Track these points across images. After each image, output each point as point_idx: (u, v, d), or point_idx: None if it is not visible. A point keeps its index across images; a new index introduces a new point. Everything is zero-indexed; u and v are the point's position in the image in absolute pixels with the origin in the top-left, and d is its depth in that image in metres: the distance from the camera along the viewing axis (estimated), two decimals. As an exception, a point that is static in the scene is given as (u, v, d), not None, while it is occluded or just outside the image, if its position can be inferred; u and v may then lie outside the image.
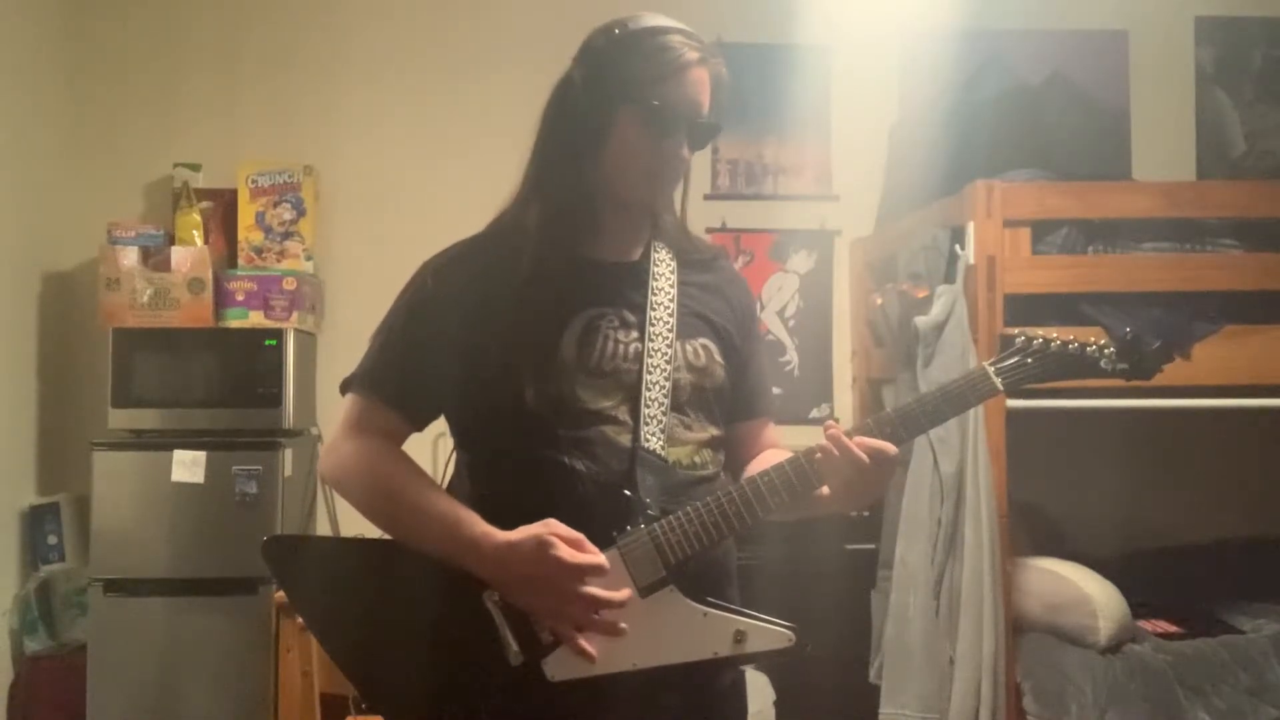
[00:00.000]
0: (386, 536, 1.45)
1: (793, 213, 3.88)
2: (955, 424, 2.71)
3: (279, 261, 3.52)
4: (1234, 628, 2.96)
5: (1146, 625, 2.94)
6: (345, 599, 1.44)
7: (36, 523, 3.43)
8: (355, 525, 3.49)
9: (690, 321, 1.50)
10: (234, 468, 3.18)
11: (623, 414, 1.41)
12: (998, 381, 1.41)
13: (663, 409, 1.42)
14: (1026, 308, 2.75)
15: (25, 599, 3.32)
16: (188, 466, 3.17)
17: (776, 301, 3.88)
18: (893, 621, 2.79)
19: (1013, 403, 2.75)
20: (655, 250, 1.54)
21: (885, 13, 3.82)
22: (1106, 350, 1.43)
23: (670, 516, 1.37)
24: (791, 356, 3.88)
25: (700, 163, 3.86)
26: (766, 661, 1.43)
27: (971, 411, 2.69)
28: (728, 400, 1.53)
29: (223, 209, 3.58)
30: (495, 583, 1.35)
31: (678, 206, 1.58)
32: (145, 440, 3.26)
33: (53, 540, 3.43)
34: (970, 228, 2.79)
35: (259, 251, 3.53)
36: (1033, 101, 3.51)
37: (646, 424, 1.41)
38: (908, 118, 3.82)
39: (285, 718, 3.08)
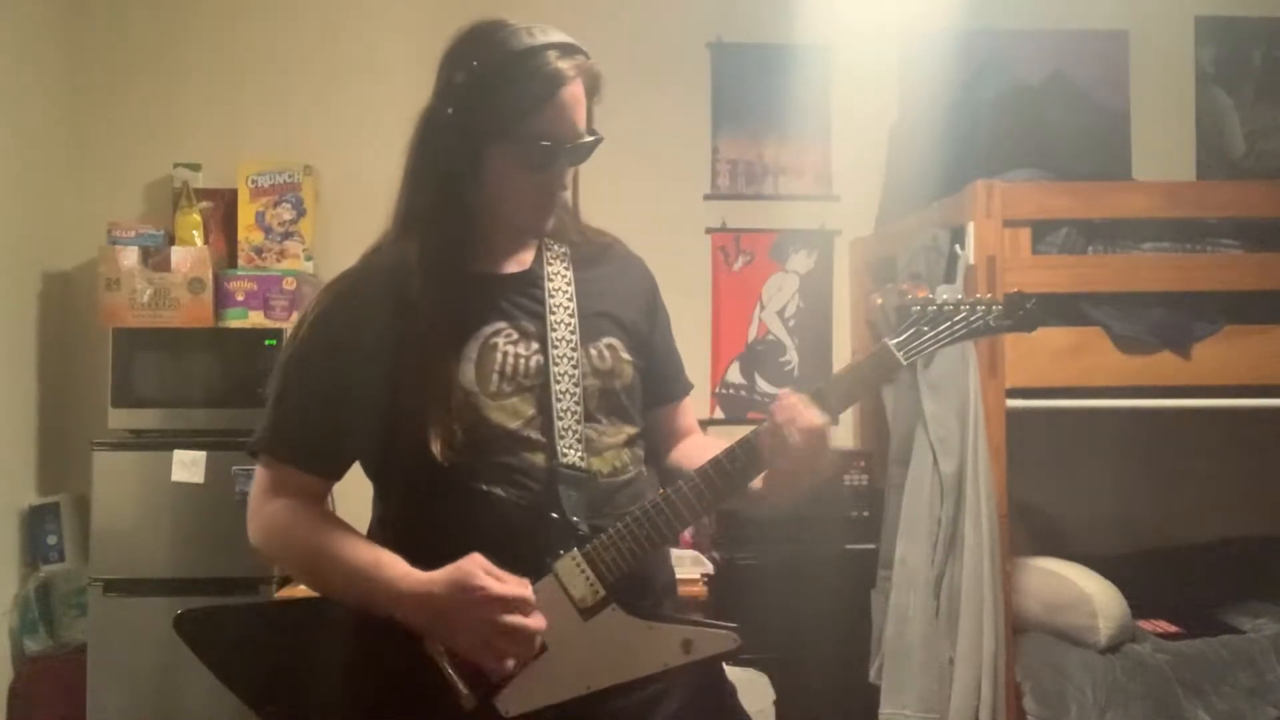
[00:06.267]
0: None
1: (793, 213, 3.87)
2: (955, 424, 2.72)
3: (279, 261, 3.52)
4: (1234, 628, 2.96)
5: (1146, 625, 2.94)
6: (279, 666, 1.38)
7: (36, 523, 3.43)
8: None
9: (593, 322, 1.46)
10: (234, 468, 3.17)
11: (535, 433, 1.38)
12: (899, 356, 1.43)
13: (576, 418, 1.39)
14: (1026, 308, 2.74)
15: (25, 599, 3.32)
16: (188, 466, 3.17)
17: (776, 301, 3.88)
18: (893, 621, 2.79)
19: (1013, 403, 2.75)
20: (548, 250, 1.49)
21: (885, 13, 3.81)
22: (995, 308, 1.47)
23: (602, 534, 1.35)
24: (791, 356, 3.88)
25: (700, 163, 3.87)
26: (715, 664, 1.42)
27: (971, 411, 2.69)
28: (640, 393, 1.50)
29: (223, 209, 3.58)
30: (419, 625, 1.30)
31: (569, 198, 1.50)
32: (145, 440, 3.26)
33: (53, 540, 3.43)
34: (970, 228, 2.79)
35: (259, 251, 3.53)
36: (1033, 101, 3.51)
37: (562, 437, 1.37)
38: (908, 118, 3.82)
39: (285, 718, 3.09)
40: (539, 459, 1.37)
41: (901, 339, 1.44)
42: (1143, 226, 2.88)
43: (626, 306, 1.52)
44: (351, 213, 3.74)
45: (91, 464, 3.20)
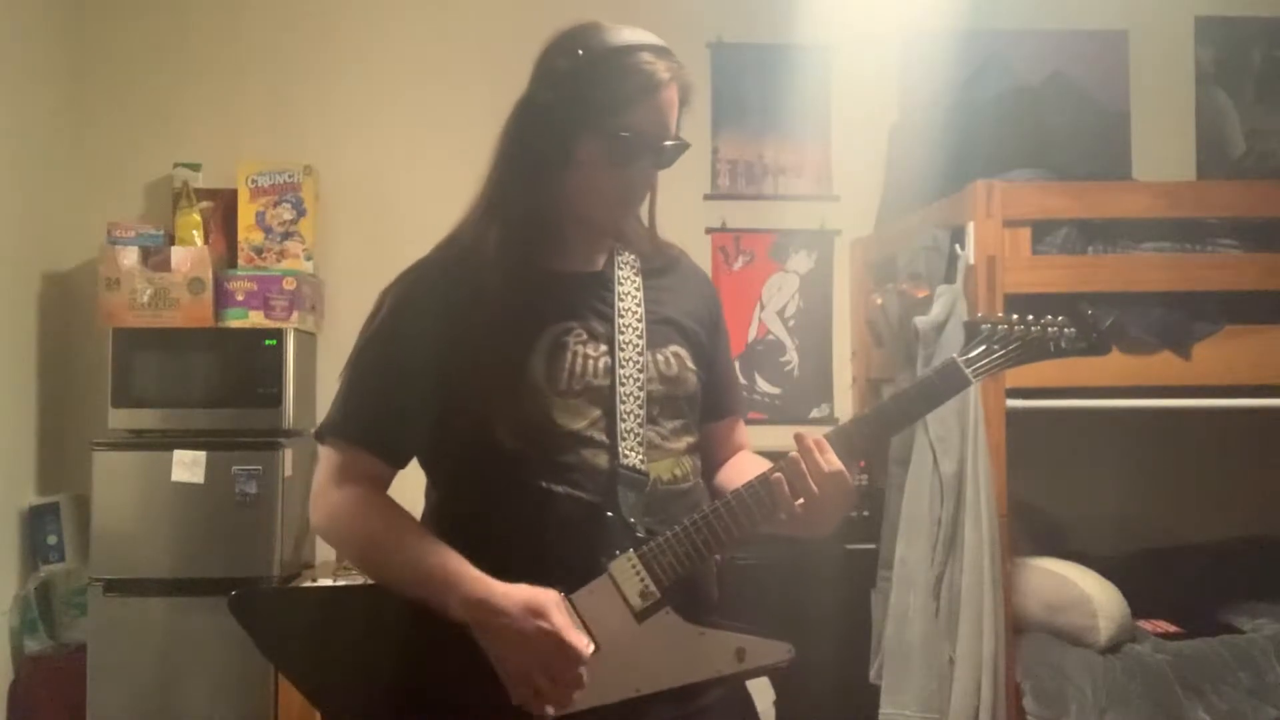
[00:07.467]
0: (365, 581, 1.43)
1: (793, 213, 3.88)
2: (955, 424, 2.71)
3: (279, 261, 3.52)
4: (1234, 628, 2.96)
5: (1146, 625, 2.94)
6: (331, 651, 1.40)
7: (36, 523, 3.43)
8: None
9: (660, 329, 1.48)
10: (234, 468, 3.17)
11: (599, 434, 1.39)
12: (969, 373, 1.41)
13: (639, 421, 1.40)
14: (1026, 308, 2.72)
15: (25, 599, 3.32)
16: (188, 466, 3.17)
17: (776, 301, 3.88)
18: (893, 621, 2.79)
19: (1013, 402, 2.75)
20: (619, 255, 1.51)
21: (885, 13, 3.81)
22: (1066, 331, 1.47)
23: (659, 538, 1.35)
24: (791, 356, 3.88)
25: (700, 163, 3.86)
26: (766, 674, 1.41)
27: (971, 411, 2.69)
28: (700, 404, 1.52)
29: (223, 209, 3.58)
30: (472, 625, 1.31)
31: (645, 214, 1.54)
32: (145, 440, 3.26)
33: (53, 540, 3.43)
34: (970, 228, 2.79)
35: (259, 251, 3.53)
36: (1033, 101, 3.51)
37: (624, 439, 1.38)
38: (908, 118, 3.82)
39: (285, 718, 3.09)
40: (601, 460, 1.38)
41: (971, 355, 1.42)
42: (1143, 226, 2.88)
43: (690, 317, 1.53)
44: (351, 213, 3.75)
45: (91, 464, 3.20)
